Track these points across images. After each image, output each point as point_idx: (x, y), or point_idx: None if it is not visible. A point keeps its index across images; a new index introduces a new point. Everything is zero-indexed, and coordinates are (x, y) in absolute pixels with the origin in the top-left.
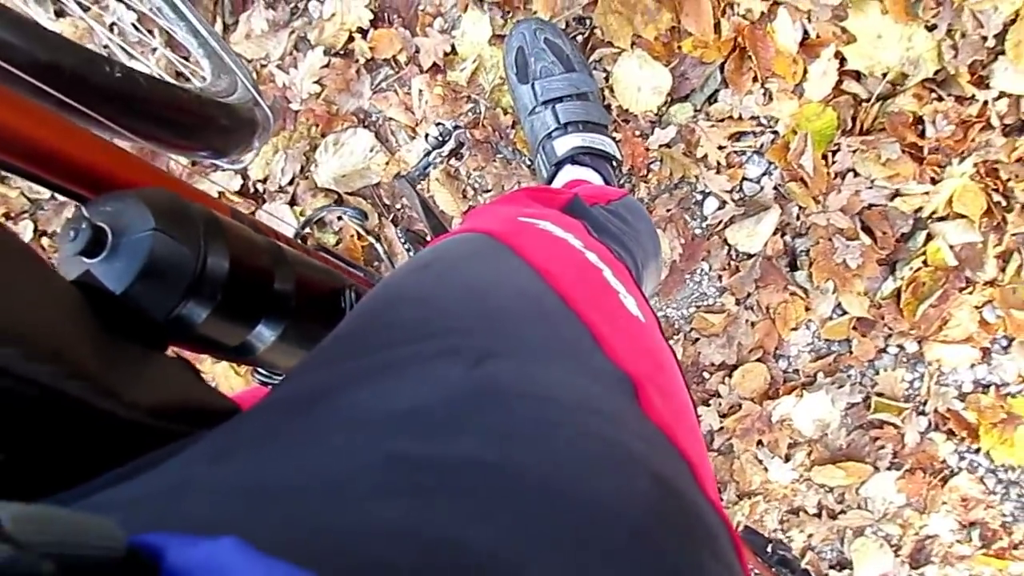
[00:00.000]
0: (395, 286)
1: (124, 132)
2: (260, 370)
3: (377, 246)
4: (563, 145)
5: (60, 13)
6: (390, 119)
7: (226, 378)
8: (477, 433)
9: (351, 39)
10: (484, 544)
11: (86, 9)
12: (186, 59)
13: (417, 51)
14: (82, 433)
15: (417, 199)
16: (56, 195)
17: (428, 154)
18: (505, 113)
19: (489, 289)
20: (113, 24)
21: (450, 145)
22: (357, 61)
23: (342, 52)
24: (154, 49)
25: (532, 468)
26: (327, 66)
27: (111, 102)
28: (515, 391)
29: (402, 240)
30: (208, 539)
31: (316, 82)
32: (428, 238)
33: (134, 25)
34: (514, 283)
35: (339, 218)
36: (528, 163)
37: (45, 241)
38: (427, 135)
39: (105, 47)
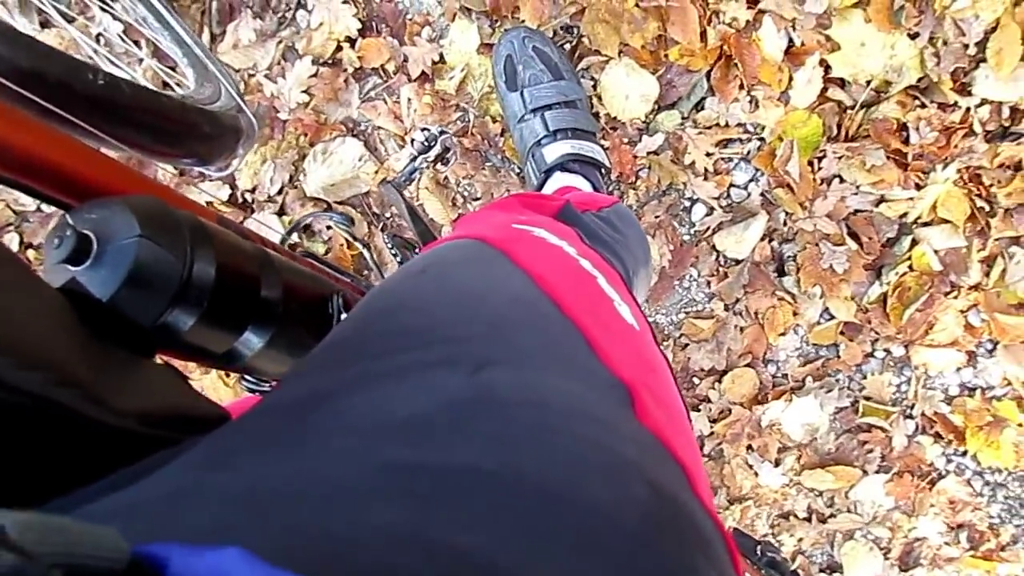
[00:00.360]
0: (390, 292)
1: (108, 139)
2: (248, 377)
3: (366, 254)
4: (552, 152)
5: (45, 24)
6: (379, 128)
7: (215, 390)
8: (475, 440)
9: (339, 48)
10: (483, 550)
11: (71, 20)
12: (172, 69)
13: (405, 60)
14: (71, 441)
15: (404, 204)
16: (42, 206)
17: (414, 159)
18: (494, 121)
19: (485, 295)
20: (99, 35)
21: (436, 150)
22: (345, 70)
23: (330, 61)
24: (140, 60)
25: (531, 475)
26: (315, 76)
27: (95, 109)
28: (513, 399)
29: (390, 247)
30: (212, 549)
31: (304, 91)
32: (416, 244)
33: (120, 36)
34: (509, 289)
35: (328, 227)
36: (517, 171)
37: (31, 254)
38: (412, 140)
39: (90, 58)
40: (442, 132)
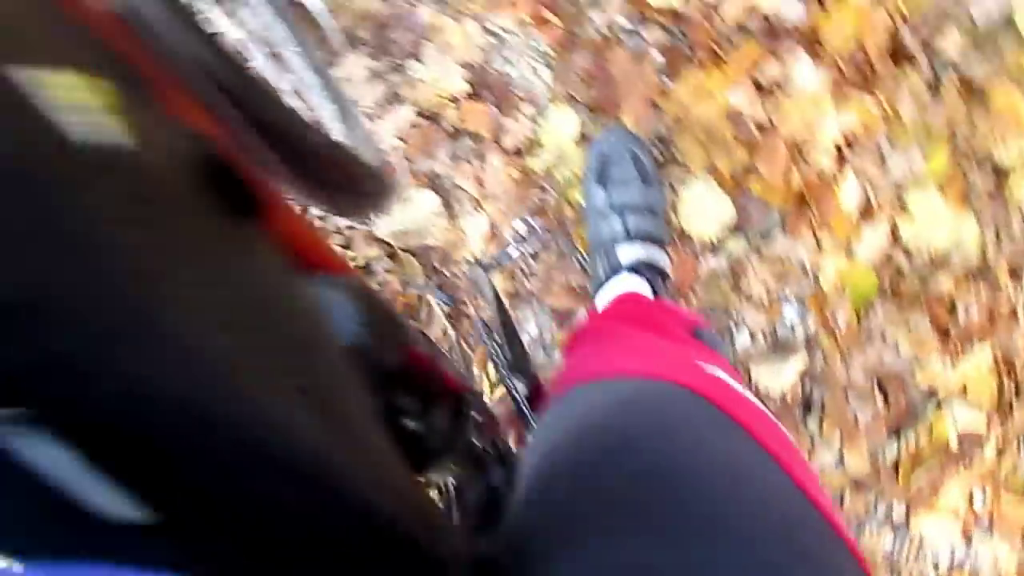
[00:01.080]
0: (630, 441)
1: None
2: None
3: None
4: (626, 254)
5: None
6: (459, 187)
7: None
8: None
9: (443, 105)
10: None
11: None
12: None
13: (502, 130)
14: None
15: (489, 287)
16: None
17: (508, 246)
18: (571, 208)
19: (752, 482)
20: None
21: (534, 246)
22: (443, 127)
23: (431, 115)
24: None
25: None
26: (414, 126)
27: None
28: None
29: (483, 334)
30: None
31: (399, 137)
32: (493, 329)
33: None
34: (768, 476)
35: (387, 270)
36: (580, 260)
37: None
38: (515, 229)
39: None
40: (545, 230)
